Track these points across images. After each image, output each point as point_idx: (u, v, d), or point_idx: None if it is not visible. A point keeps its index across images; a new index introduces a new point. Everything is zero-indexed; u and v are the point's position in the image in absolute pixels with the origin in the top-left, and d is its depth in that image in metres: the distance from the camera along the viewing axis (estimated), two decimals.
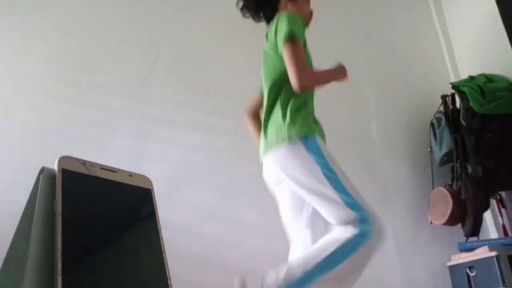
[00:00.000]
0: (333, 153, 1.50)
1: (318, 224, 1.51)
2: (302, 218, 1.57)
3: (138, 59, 2.73)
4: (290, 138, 1.45)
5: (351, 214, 1.37)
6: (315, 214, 1.51)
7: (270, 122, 1.54)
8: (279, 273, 1.34)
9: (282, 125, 1.49)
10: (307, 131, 1.47)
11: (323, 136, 1.58)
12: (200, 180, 2.51)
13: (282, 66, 1.52)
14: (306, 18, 1.71)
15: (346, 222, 1.37)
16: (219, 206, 2.46)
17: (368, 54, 3.09)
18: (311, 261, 1.34)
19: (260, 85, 1.74)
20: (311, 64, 1.64)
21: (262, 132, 1.59)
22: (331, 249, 1.34)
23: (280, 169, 1.49)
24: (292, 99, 1.52)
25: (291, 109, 1.51)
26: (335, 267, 1.33)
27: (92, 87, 2.61)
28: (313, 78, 1.52)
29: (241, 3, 1.74)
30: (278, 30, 1.53)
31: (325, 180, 1.41)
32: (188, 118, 2.64)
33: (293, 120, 1.48)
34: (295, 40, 1.47)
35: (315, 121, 1.58)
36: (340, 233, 1.36)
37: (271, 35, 1.58)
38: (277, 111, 1.53)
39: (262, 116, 1.63)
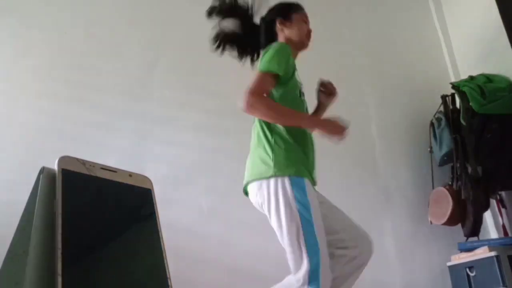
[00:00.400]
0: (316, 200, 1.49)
1: None
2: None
3: (138, 59, 2.73)
4: (275, 173, 1.46)
5: (307, 268, 1.38)
6: None
7: (258, 152, 1.55)
8: None
9: (268, 158, 1.49)
10: (295, 171, 1.47)
11: (312, 181, 1.56)
12: (200, 180, 2.51)
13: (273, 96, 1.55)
14: (303, 38, 1.70)
15: (301, 276, 1.38)
16: (219, 206, 2.46)
17: (368, 54, 3.09)
18: None
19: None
20: (299, 94, 1.63)
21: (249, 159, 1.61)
22: None
23: (260, 199, 1.51)
24: (281, 133, 1.52)
25: (279, 145, 1.50)
26: None
27: (92, 87, 2.61)
28: (261, 103, 1.47)
29: (240, 54, 1.78)
30: (262, 58, 1.57)
31: (299, 223, 1.41)
32: (188, 118, 2.64)
33: (280, 156, 1.48)
34: (265, 72, 1.49)
35: (305, 162, 1.54)
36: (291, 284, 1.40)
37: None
38: (265, 144, 1.53)
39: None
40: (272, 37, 1.71)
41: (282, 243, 1.46)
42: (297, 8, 1.75)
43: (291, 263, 1.42)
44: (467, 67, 2.98)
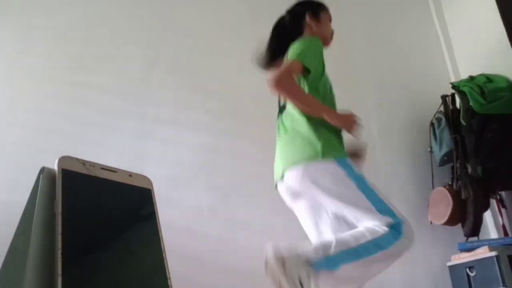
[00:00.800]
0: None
1: (343, 230, 1.50)
2: (325, 226, 1.57)
3: (138, 59, 2.73)
4: (323, 156, 1.47)
5: (383, 218, 1.39)
6: (339, 221, 1.52)
7: (298, 137, 1.56)
8: (297, 249, 1.31)
9: (315, 141, 1.51)
10: (339, 154, 1.51)
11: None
12: (200, 180, 2.51)
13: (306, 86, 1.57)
14: (328, 37, 1.76)
15: (380, 224, 1.38)
16: (219, 206, 2.46)
17: (368, 54, 3.08)
18: (338, 247, 1.33)
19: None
20: (329, 90, 1.67)
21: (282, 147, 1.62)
22: (362, 240, 1.34)
23: (307, 180, 1.49)
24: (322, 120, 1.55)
25: (321, 129, 1.53)
26: (360, 259, 1.32)
27: (92, 87, 2.61)
28: (290, 81, 1.49)
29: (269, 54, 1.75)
30: (292, 48, 1.59)
31: (356, 188, 1.44)
32: (188, 118, 2.64)
33: (324, 139, 1.51)
34: (297, 61, 1.53)
35: (342, 144, 1.60)
36: (374, 227, 1.37)
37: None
38: (307, 128, 1.54)
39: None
40: (299, 30, 1.73)
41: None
42: (325, 7, 1.80)
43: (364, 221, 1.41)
44: (467, 67, 2.98)
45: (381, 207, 1.42)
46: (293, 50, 1.57)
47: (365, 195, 1.43)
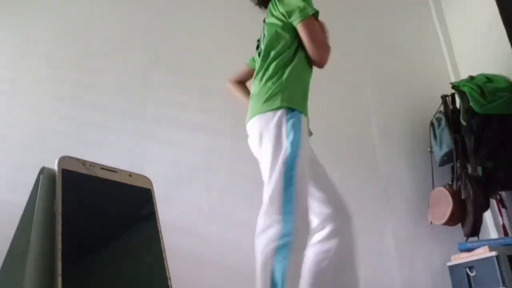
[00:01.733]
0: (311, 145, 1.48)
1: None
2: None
3: (138, 59, 2.73)
4: (276, 106, 1.46)
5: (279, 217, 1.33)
6: None
7: (262, 89, 1.54)
8: None
9: (272, 92, 1.49)
10: (295, 105, 1.47)
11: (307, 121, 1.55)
12: (200, 180, 2.51)
13: (287, 36, 1.56)
14: None
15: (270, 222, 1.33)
16: (219, 206, 2.46)
17: (368, 54, 3.08)
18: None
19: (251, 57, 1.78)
20: None
21: (251, 98, 1.61)
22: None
23: (260, 134, 1.49)
24: (289, 69, 1.52)
25: (285, 79, 1.51)
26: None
27: (92, 87, 2.61)
28: (328, 50, 1.54)
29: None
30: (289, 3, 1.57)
31: (282, 170, 1.37)
32: (188, 118, 2.64)
33: (284, 89, 1.49)
34: (310, 18, 1.53)
35: (305, 100, 1.56)
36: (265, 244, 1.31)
37: (274, 7, 1.61)
38: (270, 80, 1.53)
39: (253, 84, 1.63)
40: None
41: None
42: None
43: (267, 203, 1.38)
44: (467, 67, 2.98)
45: (287, 207, 1.33)
46: (294, 10, 1.54)
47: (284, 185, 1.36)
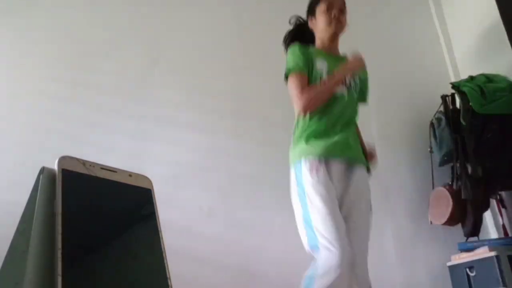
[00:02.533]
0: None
1: None
2: None
3: (138, 59, 2.73)
4: (293, 160, 1.65)
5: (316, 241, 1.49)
6: None
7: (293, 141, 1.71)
8: None
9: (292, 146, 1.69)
10: (300, 156, 1.61)
11: (328, 153, 1.62)
12: (200, 180, 2.51)
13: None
14: (325, 30, 1.78)
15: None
16: (219, 206, 2.46)
17: (368, 54, 3.06)
18: None
19: None
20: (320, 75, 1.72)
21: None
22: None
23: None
24: (300, 123, 1.67)
25: (297, 135, 1.67)
26: None
27: (92, 87, 2.61)
28: (312, 99, 1.62)
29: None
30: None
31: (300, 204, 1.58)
32: (188, 118, 2.64)
33: (295, 144, 1.66)
34: (290, 74, 1.68)
35: (320, 139, 1.64)
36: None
37: None
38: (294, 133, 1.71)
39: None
40: (312, 35, 1.83)
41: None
42: (318, 1, 1.79)
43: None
44: (467, 67, 2.98)
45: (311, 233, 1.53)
46: (286, 67, 1.72)
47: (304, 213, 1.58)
